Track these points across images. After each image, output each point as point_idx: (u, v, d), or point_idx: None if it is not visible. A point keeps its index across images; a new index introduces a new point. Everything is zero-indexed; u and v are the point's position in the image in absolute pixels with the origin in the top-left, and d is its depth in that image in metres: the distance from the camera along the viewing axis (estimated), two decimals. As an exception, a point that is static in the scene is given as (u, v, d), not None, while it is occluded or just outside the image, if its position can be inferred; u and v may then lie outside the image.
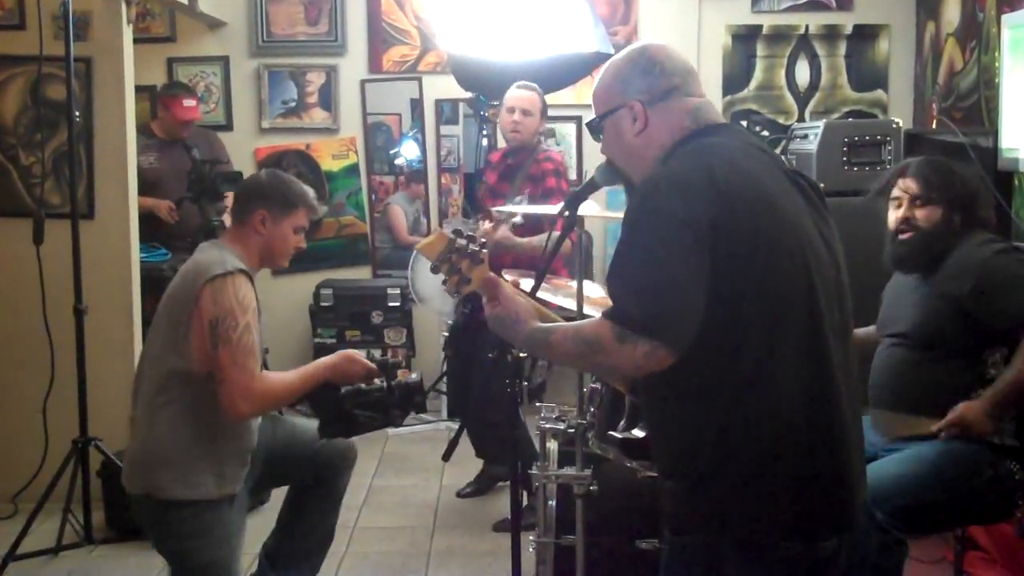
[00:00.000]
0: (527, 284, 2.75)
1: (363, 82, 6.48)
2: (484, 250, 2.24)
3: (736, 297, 1.91)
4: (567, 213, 2.69)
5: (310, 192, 3.30)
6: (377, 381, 3.21)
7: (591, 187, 2.67)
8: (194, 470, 2.99)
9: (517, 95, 4.71)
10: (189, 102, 5.63)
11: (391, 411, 3.19)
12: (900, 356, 3.20)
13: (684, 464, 2.04)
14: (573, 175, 6.35)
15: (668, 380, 1.97)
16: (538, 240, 4.37)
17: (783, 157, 2.21)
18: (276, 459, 3.30)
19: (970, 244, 3.15)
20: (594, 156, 6.20)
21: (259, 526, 4.46)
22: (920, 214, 3.20)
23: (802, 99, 6.49)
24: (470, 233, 2.25)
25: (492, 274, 2.25)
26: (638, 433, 2.46)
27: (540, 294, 3.28)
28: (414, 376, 3.26)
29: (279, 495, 4.41)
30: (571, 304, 3.13)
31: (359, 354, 3.25)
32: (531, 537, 3.26)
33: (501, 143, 5.78)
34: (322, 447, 3.28)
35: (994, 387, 3.00)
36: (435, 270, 2.27)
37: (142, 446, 3.08)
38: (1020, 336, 3.00)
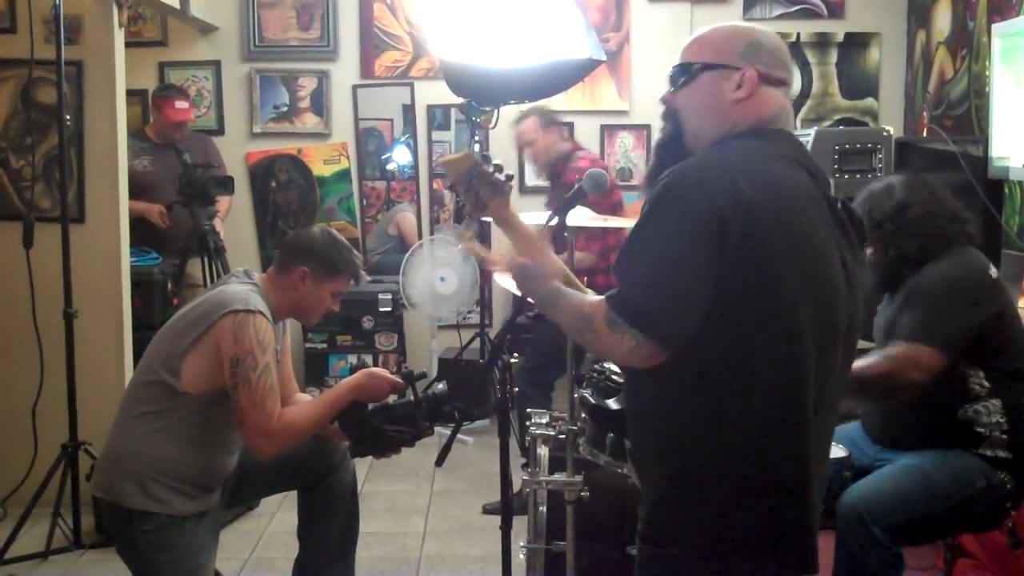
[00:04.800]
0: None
1: (355, 87, 6.48)
2: (509, 183, 2.22)
3: (731, 304, 1.88)
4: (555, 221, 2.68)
5: (358, 260, 3.28)
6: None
7: (579, 196, 2.67)
8: (160, 485, 2.97)
9: (514, 132, 4.92)
10: (182, 104, 5.63)
11: (420, 423, 3.15)
12: None
13: (652, 465, 2.04)
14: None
15: (648, 376, 1.95)
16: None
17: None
18: (249, 470, 3.25)
19: (942, 263, 3.12)
20: (586, 162, 6.21)
21: (248, 531, 4.47)
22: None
23: (793, 106, 6.47)
24: (498, 163, 2.24)
25: (513, 215, 2.24)
26: (613, 405, 2.45)
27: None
28: (440, 386, 3.22)
29: (270, 501, 4.43)
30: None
31: (383, 370, 3.24)
32: (521, 543, 3.25)
33: (495, 150, 5.79)
34: (293, 452, 3.18)
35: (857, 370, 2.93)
36: (452, 188, 2.28)
37: (113, 452, 3.06)
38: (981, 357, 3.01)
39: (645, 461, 2.08)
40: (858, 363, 2.90)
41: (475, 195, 2.24)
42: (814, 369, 1.94)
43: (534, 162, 4.85)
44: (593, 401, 2.65)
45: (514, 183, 6.50)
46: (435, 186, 6.57)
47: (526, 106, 4.89)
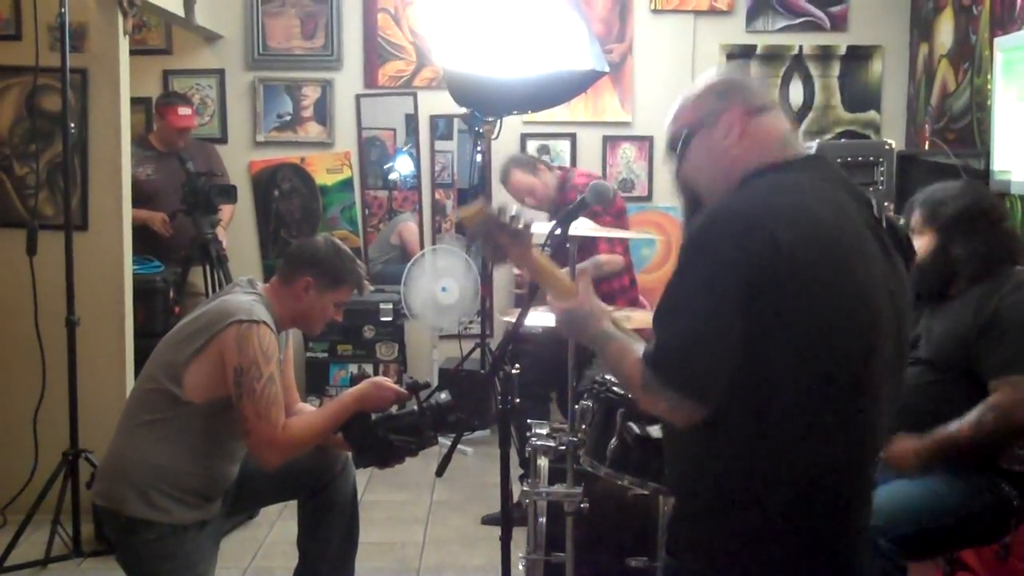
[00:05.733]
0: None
1: (358, 97, 6.49)
2: (530, 231, 2.19)
3: (776, 351, 1.83)
4: (558, 231, 2.69)
5: (361, 270, 3.28)
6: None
7: (582, 206, 2.67)
8: (161, 494, 2.97)
9: (508, 190, 4.94)
10: (184, 110, 5.64)
11: (425, 433, 3.13)
12: (914, 376, 3.07)
13: (689, 487, 2.02)
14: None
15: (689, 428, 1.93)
16: (594, 260, 4.46)
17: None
18: (249, 479, 3.25)
19: (1002, 281, 3.04)
20: (588, 173, 6.22)
21: (247, 540, 4.47)
22: (917, 243, 3.01)
23: (795, 119, 6.50)
24: (514, 214, 2.22)
25: (538, 259, 2.20)
26: (655, 433, 2.43)
27: (542, 316, 3.30)
28: (444, 396, 3.20)
29: (270, 510, 4.42)
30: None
31: (387, 380, 3.24)
32: (520, 554, 3.25)
33: (497, 161, 5.81)
34: (293, 462, 3.18)
35: (936, 433, 2.94)
36: (474, 239, 2.26)
37: (114, 459, 3.06)
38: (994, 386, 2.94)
39: (681, 481, 2.06)
40: (956, 426, 2.91)
41: (494, 245, 2.22)
42: (862, 405, 1.91)
43: (539, 207, 4.83)
44: (637, 431, 2.64)
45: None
46: (437, 196, 6.58)
47: (500, 160, 4.90)
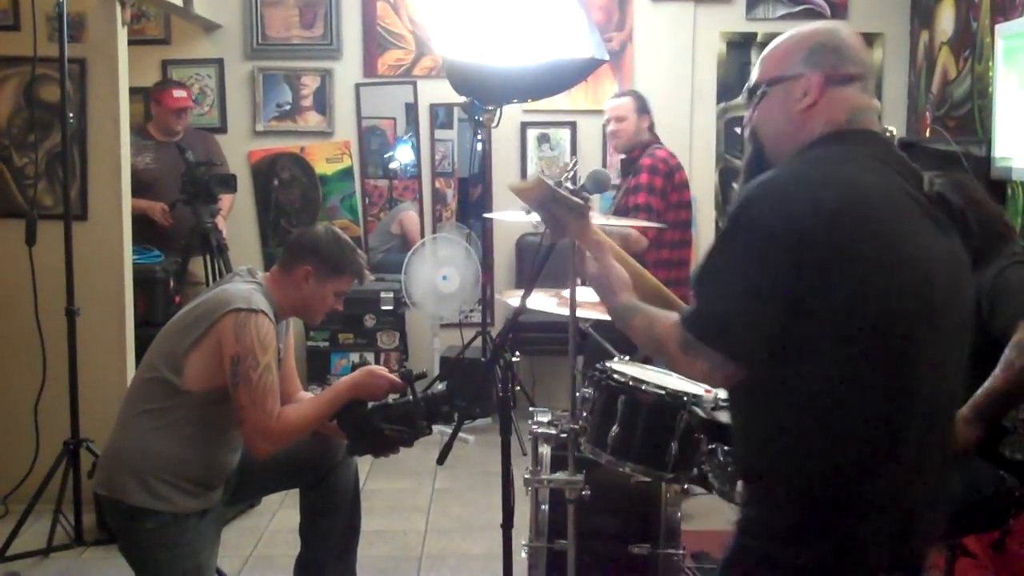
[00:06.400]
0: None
1: (358, 86, 6.48)
2: (588, 203, 2.22)
3: (823, 317, 1.84)
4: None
5: (362, 259, 3.27)
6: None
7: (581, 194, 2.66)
8: (162, 483, 2.96)
9: (607, 105, 4.90)
10: (180, 92, 5.65)
11: (418, 423, 3.13)
12: None
13: (748, 466, 2.04)
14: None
15: (742, 387, 1.95)
16: (620, 234, 4.43)
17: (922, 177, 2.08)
18: (251, 468, 3.25)
19: (997, 258, 3.09)
20: (588, 161, 6.23)
21: (249, 528, 4.48)
22: None
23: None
24: (570, 186, 2.23)
25: (599, 236, 2.24)
26: (722, 419, 2.44)
27: (543, 301, 3.30)
28: (440, 386, 3.21)
29: (272, 499, 4.43)
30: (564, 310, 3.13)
31: (382, 369, 3.23)
32: (522, 542, 3.25)
33: (497, 148, 5.79)
34: (295, 451, 3.20)
35: (975, 397, 2.95)
36: (530, 213, 2.28)
37: (115, 448, 3.06)
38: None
39: (741, 460, 2.10)
40: (989, 381, 2.91)
41: (554, 220, 2.22)
42: (917, 374, 1.91)
43: (615, 140, 4.81)
44: (703, 415, 2.63)
45: (516, 178, 6.50)
46: (437, 185, 6.57)
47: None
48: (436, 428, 3.29)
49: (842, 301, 1.84)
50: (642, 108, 4.80)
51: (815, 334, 1.85)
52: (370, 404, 3.15)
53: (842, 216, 1.83)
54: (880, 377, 1.88)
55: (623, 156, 4.86)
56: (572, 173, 2.55)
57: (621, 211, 4.60)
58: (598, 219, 3.89)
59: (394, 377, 3.17)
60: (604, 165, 6.19)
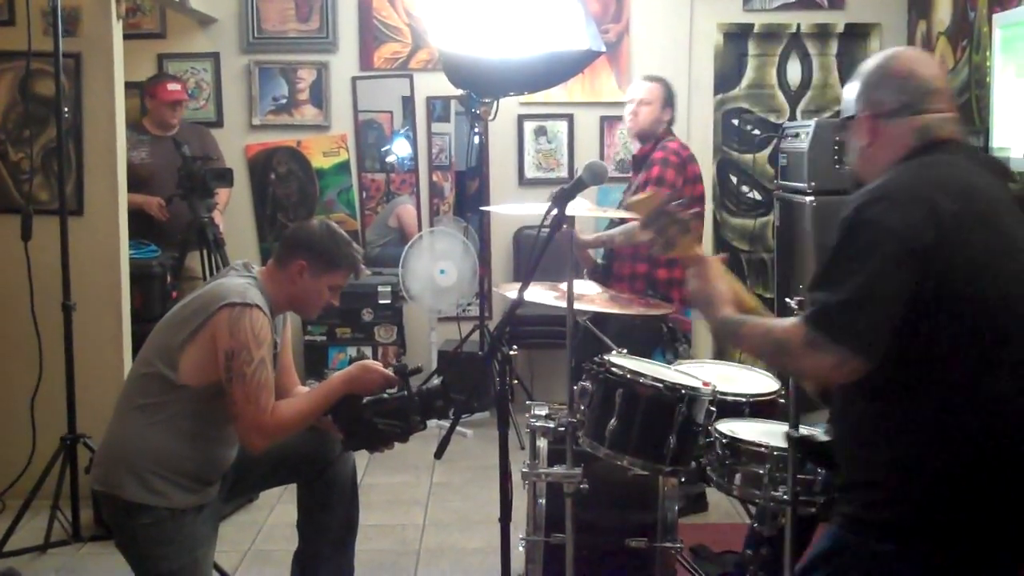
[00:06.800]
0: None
1: (354, 79, 6.46)
2: (695, 220, 2.28)
3: (946, 314, 1.93)
4: (555, 211, 2.68)
5: (357, 253, 3.25)
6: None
7: (579, 185, 2.66)
8: (159, 478, 2.95)
9: (635, 86, 4.78)
10: (174, 85, 5.65)
11: (411, 418, 3.12)
12: None
13: (867, 472, 2.07)
14: (563, 172, 6.37)
15: (863, 390, 2.01)
16: (626, 229, 4.39)
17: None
18: (248, 463, 3.23)
19: None
20: (584, 154, 6.22)
21: (247, 523, 4.47)
22: None
23: (793, 98, 6.49)
24: (682, 200, 2.28)
25: (701, 252, 2.32)
26: (821, 436, 2.47)
27: (541, 294, 3.29)
28: (435, 381, 3.19)
29: (270, 494, 4.43)
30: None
31: (376, 363, 3.22)
32: (520, 536, 3.25)
33: (494, 142, 5.74)
34: (293, 446, 3.19)
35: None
36: (644, 227, 2.36)
37: (111, 444, 3.05)
38: None
39: (858, 468, 2.12)
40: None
41: (664, 234, 2.29)
42: None
43: (632, 122, 4.70)
44: (798, 434, 2.63)
45: (514, 175, 6.53)
46: (435, 178, 6.56)
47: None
48: (431, 422, 3.28)
49: (961, 298, 1.92)
50: (668, 99, 4.70)
51: (936, 332, 1.93)
52: (365, 399, 3.14)
53: (959, 220, 1.94)
54: (1000, 371, 1.95)
55: (634, 152, 4.77)
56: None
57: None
58: (595, 211, 3.90)
59: (387, 372, 3.16)
60: (602, 157, 6.18)
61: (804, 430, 2.66)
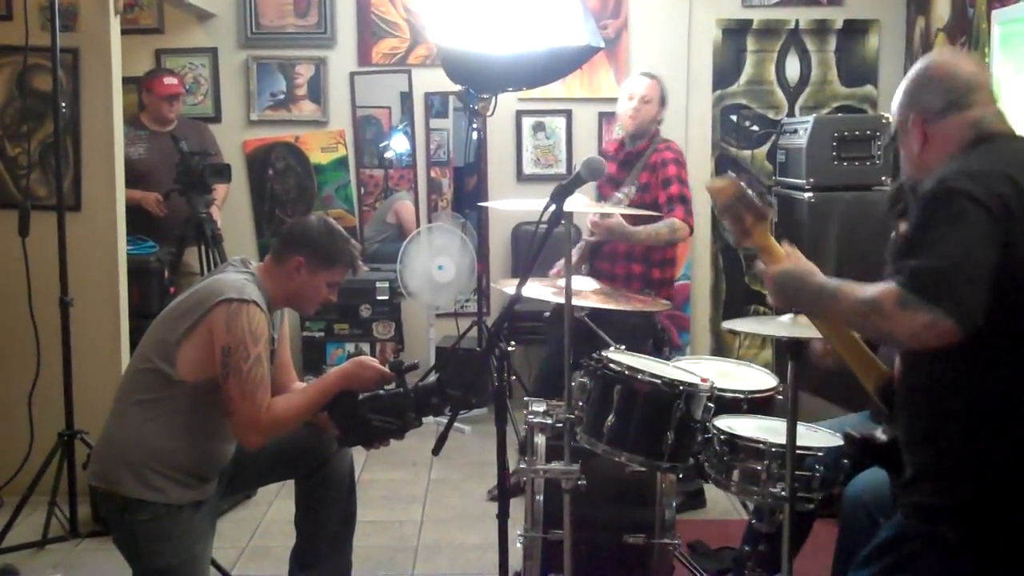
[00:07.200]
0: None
1: (352, 75, 6.45)
2: (770, 207, 2.28)
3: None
4: (553, 207, 2.68)
5: (355, 250, 3.24)
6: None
7: (577, 181, 2.66)
8: (156, 474, 2.96)
9: (635, 81, 4.73)
10: (170, 79, 5.65)
11: (407, 414, 3.11)
12: None
13: (938, 459, 2.11)
14: (561, 168, 6.37)
15: (937, 370, 2.06)
16: (652, 229, 4.37)
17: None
18: (246, 459, 3.23)
19: None
20: (582, 150, 6.21)
21: (245, 519, 4.47)
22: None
23: (792, 94, 6.49)
24: (760, 188, 2.29)
25: (771, 238, 2.33)
26: (881, 436, 2.47)
27: (539, 289, 3.29)
28: (431, 377, 3.20)
29: (267, 490, 4.43)
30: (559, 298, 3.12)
31: (372, 359, 3.22)
32: (518, 532, 3.25)
33: (493, 137, 5.74)
34: (290, 442, 3.20)
35: None
36: (720, 215, 2.35)
37: (108, 440, 3.05)
38: None
39: (927, 458, 2.15)
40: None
41: (740, 222, 2.29)
42: None
43: (634, 119, 4.66)
44: (858, 435, 2.62)
45: (512, 171, 6.53)
46: (433, 174, 6.55)
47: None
48: (429, 419, 3.28)
49: None
50: (664, 98, 4.71)
51: (1014, 310, 1.98)
52: (361, 395, 3.14)
53: None
54: None
55: (628, 148, 4.72)
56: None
57: (649, 206, 4.41)
58: (593, 207, 3.89)
59: (383, 368, 3.16)
60: (599, 153, 6.17)
61: (860, 430, 2.64)
